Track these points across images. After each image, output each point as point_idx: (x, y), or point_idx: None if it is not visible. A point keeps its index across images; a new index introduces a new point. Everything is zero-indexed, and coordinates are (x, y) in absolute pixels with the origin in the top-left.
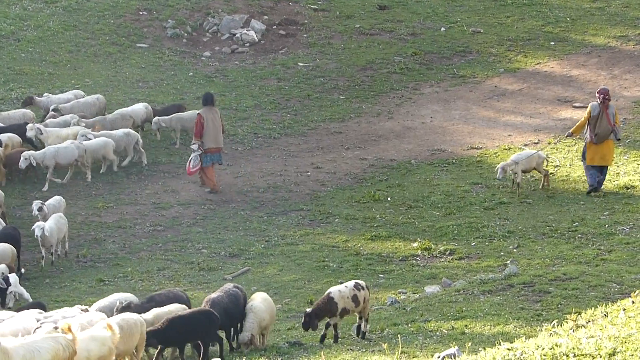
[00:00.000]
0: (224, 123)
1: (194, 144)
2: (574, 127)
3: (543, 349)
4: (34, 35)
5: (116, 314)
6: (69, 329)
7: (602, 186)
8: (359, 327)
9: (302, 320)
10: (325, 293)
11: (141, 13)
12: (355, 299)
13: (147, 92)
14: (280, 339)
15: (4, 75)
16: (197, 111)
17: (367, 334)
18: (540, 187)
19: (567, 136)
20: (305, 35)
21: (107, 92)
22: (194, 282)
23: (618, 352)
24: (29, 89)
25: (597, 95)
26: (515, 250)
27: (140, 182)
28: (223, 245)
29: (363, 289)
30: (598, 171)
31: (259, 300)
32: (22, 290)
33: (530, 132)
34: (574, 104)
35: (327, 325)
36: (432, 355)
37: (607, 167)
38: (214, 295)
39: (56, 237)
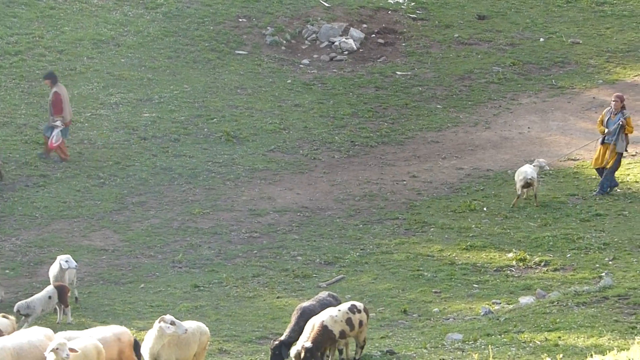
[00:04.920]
0: None
1: (56, 120)
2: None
3: None
4: (134, 40)
5: None
6: None
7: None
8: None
9: (303, 355)
10: (318, 322)
11: (240, 20)
12: (349, 322)
13: (245, 99)
14: (373, 347)
15: (104, 80)
16: None
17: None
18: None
19: None
20: (403, 44)
21: (206, 99)
22: (288, 289)
23: None
24: (128, 94)
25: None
26: (610, 262)
27: (236, 188)
28: (318, 252)
29: (359, 312)
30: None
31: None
32: None
33: (629, 145)
34: None
35: (340, 351)
36: None
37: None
38: (305, 303)
39: None
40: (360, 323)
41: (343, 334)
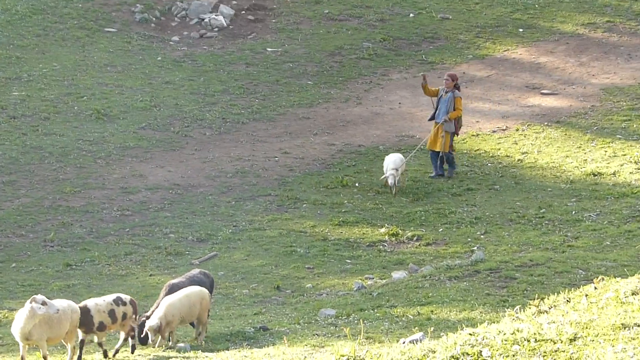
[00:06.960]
0: None
1: None
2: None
3: (504, 334)
4: (2, 19)
5: None
6: None
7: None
8: (133, 346)
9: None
10: (82, 304)
11: None
12: (112, 313)
13: (115, 77)
14: (246, 323)
15: None
16: None
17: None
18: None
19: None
20: (274, 21)
21: (75, 77)
22: (161, 266)
23: (579, 338)
24: None
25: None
26: (482, 236)
27: (107, 166)
28: (190, 230)
29: (124, 304)
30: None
31: (180, 296)
32: None
33: (499, 119)
34: (542, 91)
35: (82, 344)
36: (397, 341)
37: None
38: (174, 280)
39: None
40: (124, 316)
41: (102, 326)
